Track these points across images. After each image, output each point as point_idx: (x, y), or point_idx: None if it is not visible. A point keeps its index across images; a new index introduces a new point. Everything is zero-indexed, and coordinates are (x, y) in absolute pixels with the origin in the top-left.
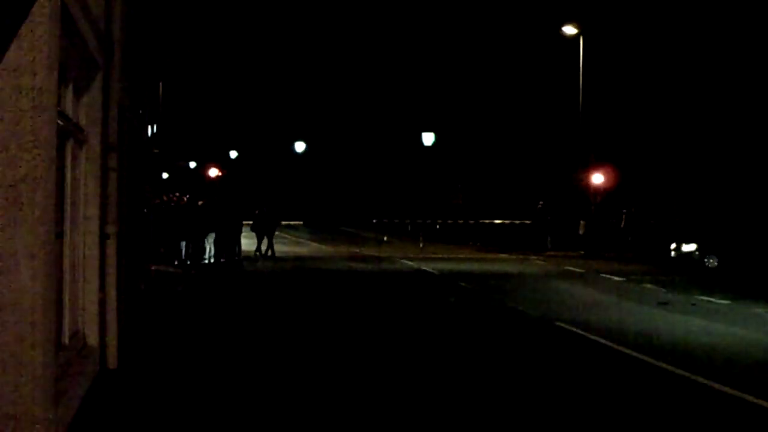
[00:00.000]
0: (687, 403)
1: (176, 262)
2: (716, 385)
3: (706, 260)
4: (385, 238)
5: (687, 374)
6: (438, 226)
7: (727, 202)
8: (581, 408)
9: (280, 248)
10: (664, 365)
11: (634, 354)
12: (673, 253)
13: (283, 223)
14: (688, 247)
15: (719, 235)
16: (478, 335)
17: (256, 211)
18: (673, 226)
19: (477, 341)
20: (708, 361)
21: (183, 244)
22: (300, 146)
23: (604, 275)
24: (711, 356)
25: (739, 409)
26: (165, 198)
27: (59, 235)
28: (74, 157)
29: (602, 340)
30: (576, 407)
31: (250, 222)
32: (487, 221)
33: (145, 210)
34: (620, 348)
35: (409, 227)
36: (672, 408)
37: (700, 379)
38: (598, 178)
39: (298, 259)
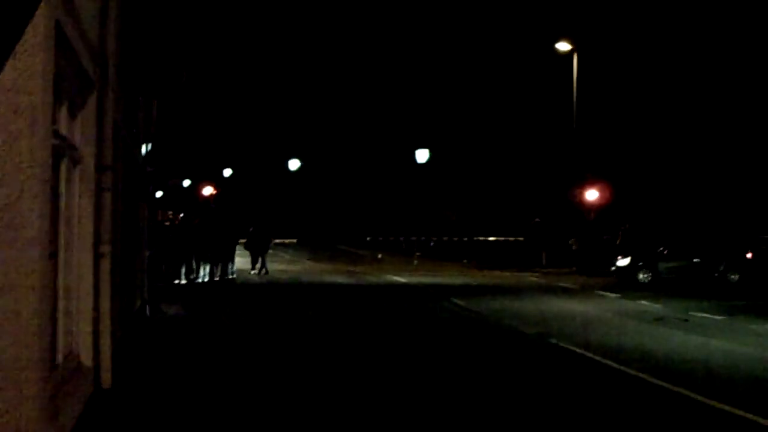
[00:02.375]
0: (685, 420)
1: (175, 281)
2: (714, 403)
3: (639, 274)
4: (380, 256)
5: (684, 391)
6: (432, 244)
7: (658, 219)
8: (577, 427)
9: (274, 266)
10: (661, 383)
11: (631, 371)
12: (613, 268)
13: (277, 241)
14: (623, 262)
15: (651, 251)
16: (473, 352)
17: (251, 229)
18: (617, 242)
19: (471, 358)
20: (706, 377)
21: (182, 262)
22: (294, 164)
23: (598, 292)
24: (708, 373)
25: (738, 428)
26: (159, 217)
27: (53, 255)
28: (68, 177)
29: (597, 357)
30: (572, 426)
31: (244, 240)
32: (481, 238)
33: (145, 228)
34: (617, 365)
35: (404, 244)
36: (670, 426)
37: (699, 397)
38: (592, 195)
39: (292, 277)
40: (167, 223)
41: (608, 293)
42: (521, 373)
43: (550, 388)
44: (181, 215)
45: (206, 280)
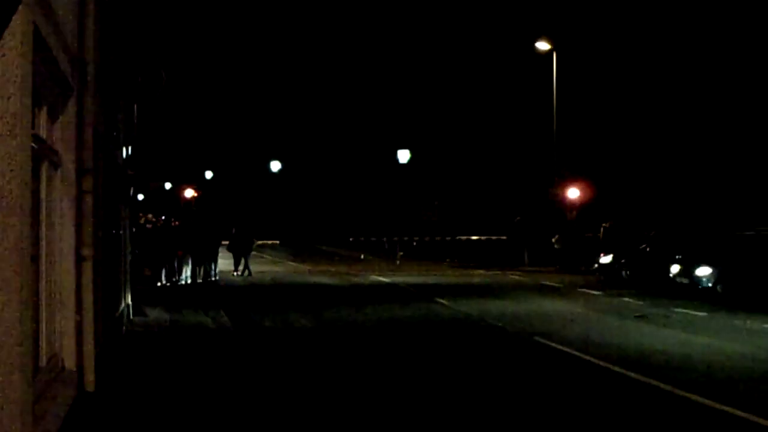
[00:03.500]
0: (665, 416)
1: (158, 284)
2: (693, 396)
3: (622, 272)
4: (362, 256)
5: (663, 385)
6: (415, 243)
7: (639, 217)
8: (559, 422)
9: (257, 268)
10: (642, 378)
11: (613, 367)
12: (596, 265)
13: (260, 242)
14: (605, 259)
15: (633, 248)
16: (457, 351)
17: (233, 231)
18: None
19: (455, 357)
20: (686, 372)
21: (164, 264)
22: (275, 165)
23: (581, 289)
24: (688, 368)
25: (720, 422)
26: (142, 219)
27: (34, 259)
28: (49, 180)
29: (580, 354)
30: (553, 421)
31: (227, 242)
32: (463, 237)
33: (133, 230)
34: (599, 362)
35: (386, 245)
36: (651, 422)
37: (677, 391)
38: (573, 193)
39: (275, 278)
40: (149, 226)
41: (591, 291)
42: (505, 370)
43: (532, 384)
44: (163, 217)
45: (189, 282)
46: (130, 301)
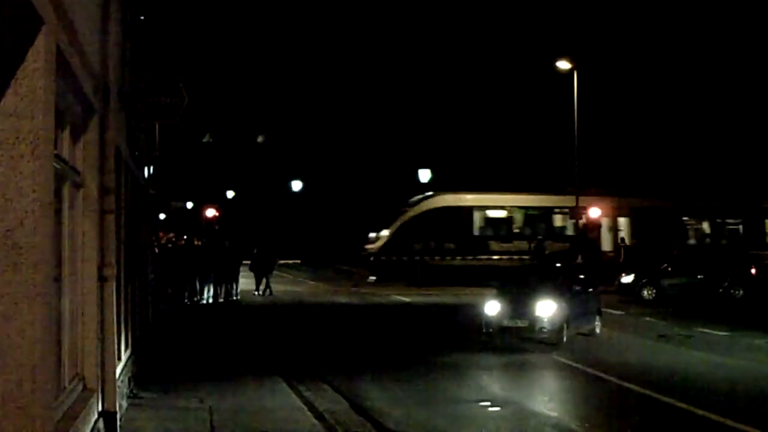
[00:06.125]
0: None
1: (181, 303)
2: (715, 417)
3: (644, 291)
4: None
5: (687, 407)
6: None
7: (661, 235)
8: None
9: (279, 287)
10: (666, 399)
11: (632, 387)
12: (616, 284)
13: (281, 262)
14: (627, 279)
15: (655, 268)
16: (482, 371)
17: (255, 251)
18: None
19: (483, 378)
20: (708, 392)
21: (186, 284)
22: (297, 185)
23: (602, 309)
24: (711, 388)
25: None
26: (163, 239)
27: (57, 279)
28: (71, 201)
29: (602, 374)
30: None
31: (248, 261)
32: (484, 257)
33: (156, 250)
34: (621, 382)
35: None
36: None
37: (700, 412)
38: (594, 212)
39: (297, 297)
40: (170, 246)
41: (612, 310)
42: (526, 388)
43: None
44: (185, 237)
45: (210, 301)
46: (152, 321)
